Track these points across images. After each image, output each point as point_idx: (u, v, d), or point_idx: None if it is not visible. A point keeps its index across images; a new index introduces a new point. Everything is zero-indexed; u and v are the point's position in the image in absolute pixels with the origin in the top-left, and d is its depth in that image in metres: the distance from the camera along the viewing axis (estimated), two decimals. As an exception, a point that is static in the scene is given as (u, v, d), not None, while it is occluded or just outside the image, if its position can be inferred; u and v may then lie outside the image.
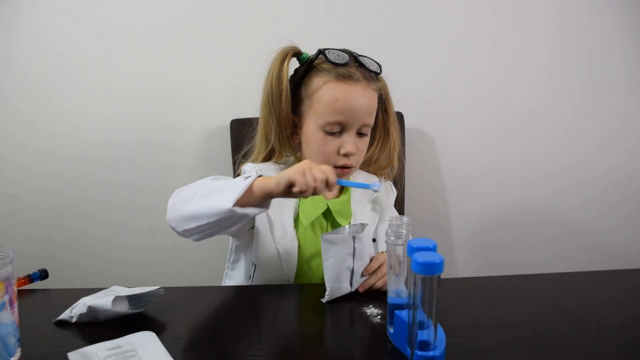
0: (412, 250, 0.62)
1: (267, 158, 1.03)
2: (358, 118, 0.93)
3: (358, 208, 1.01)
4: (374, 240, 1.00)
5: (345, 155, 0.94)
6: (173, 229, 0.85)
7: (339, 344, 0.74)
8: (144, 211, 1.43)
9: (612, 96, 1.39)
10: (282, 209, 0.98)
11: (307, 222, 0.97)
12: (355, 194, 1.03)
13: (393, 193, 1.11)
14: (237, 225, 0.89)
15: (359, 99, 0.93)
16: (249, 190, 0.77)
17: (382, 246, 0.99)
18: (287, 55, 0.96)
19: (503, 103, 1.39)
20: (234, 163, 1.27)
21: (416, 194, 1.41)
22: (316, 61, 0.95)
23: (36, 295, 0.89)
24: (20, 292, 0.72)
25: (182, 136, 1.40)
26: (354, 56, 0.95)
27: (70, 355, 0.66)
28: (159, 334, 0.72)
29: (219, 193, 0.78)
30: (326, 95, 0.93)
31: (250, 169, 1.00)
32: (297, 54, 0.98)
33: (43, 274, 0.92)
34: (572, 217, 1.46)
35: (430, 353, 0.63)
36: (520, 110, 1.40)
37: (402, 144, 1.30)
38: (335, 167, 0.95)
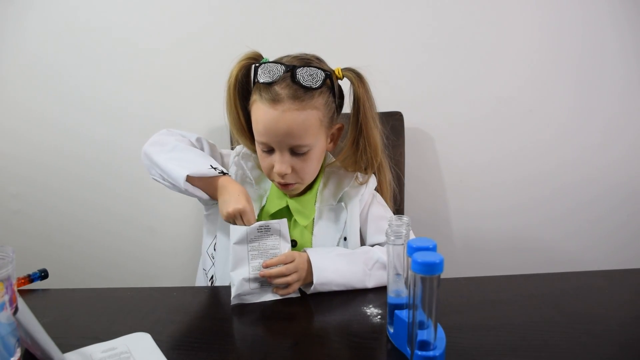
0: (412, 250, 0.63)
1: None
2: (281, 141, 0.88)
3: (324, 207, 0.99)
4: (344, 239, 0.98)
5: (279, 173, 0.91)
6: (144, 162, 0.95)
7: (339, 344, 0.74)
8: (144, 211, 1.43)
9: (612, 95, 1.39)
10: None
11: (267, 215, 0.98)
12: (324, 192, 1.00)
13: (366, 189, 1.02)
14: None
15: (277, 122, 0.87)
16: (209, 179, 0.90)
17: (352, 244, 0.97)
18: (241, 63, 0.93)
19: (503, 103, 1.39)
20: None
21: (416, 194, 1.41)
22: (255, 74, 0.92)
23: (36, 295, 0.89)
24: (21, 292, 0.72)
25: (182, 136, 1.40)
26: (291, 69, 0.88)
27: (66, 356, 0.66)
28: (153, 335, 0.72)
29: (185, 163, 0.89)
30: (253, 114, 0.91)
31: (238, 151, 1.03)
32: (257, 59, 0.93)
33: (43, 274, 0.93)
34: (572, 217, 1.46)
35: (430, 353, 0.64)
36: (520, 110, 1.40)
37: (402, 143, 1.31)
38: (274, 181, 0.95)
